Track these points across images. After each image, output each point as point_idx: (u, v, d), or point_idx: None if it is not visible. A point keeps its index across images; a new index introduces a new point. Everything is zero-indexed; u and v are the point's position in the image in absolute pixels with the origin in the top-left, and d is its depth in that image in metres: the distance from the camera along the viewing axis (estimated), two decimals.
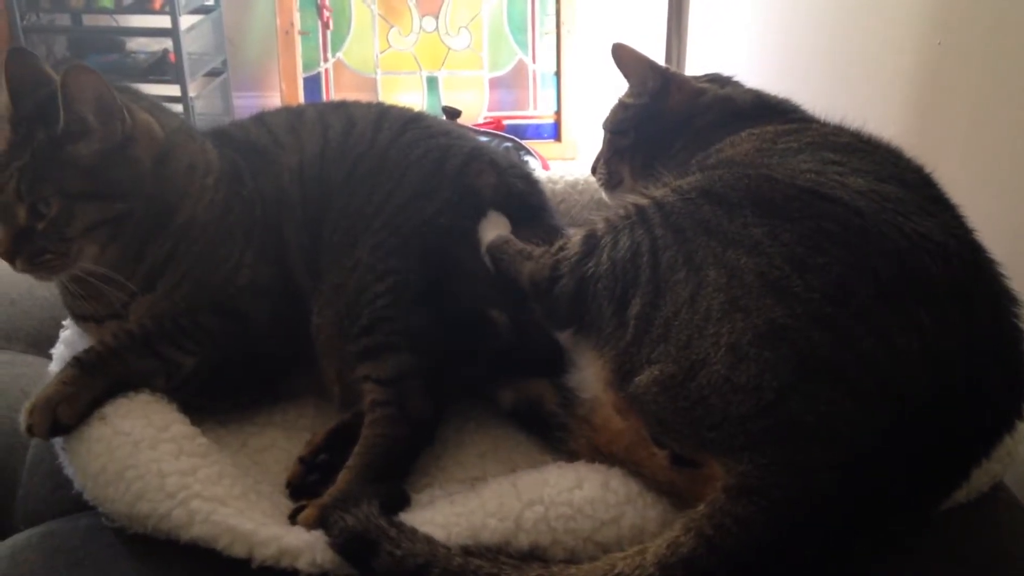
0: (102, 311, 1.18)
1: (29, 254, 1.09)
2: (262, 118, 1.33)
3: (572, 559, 0.93)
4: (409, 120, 1.31)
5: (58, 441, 1.06)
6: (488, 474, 1.09)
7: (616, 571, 0.86)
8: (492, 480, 1.04)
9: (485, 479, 1.06)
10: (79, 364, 1.09)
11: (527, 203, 1.30)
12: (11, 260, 1.09)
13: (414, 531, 0.91)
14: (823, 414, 0.85)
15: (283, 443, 1.15)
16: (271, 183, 1.24)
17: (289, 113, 1.34)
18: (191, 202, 1.18)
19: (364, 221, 1.21)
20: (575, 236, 1.10)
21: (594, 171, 1.52)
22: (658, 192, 1.05)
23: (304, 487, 1.09)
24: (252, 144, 1.28)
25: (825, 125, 1.27)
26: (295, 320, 1.21)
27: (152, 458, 0.99)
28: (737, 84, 1.42)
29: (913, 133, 1.76)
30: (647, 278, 0.98)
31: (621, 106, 1.45)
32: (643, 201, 1.05)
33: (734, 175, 1.03)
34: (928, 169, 1.13)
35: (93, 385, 1.08)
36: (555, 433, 1.09)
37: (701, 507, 0.87)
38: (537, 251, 1.14)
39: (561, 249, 1.11)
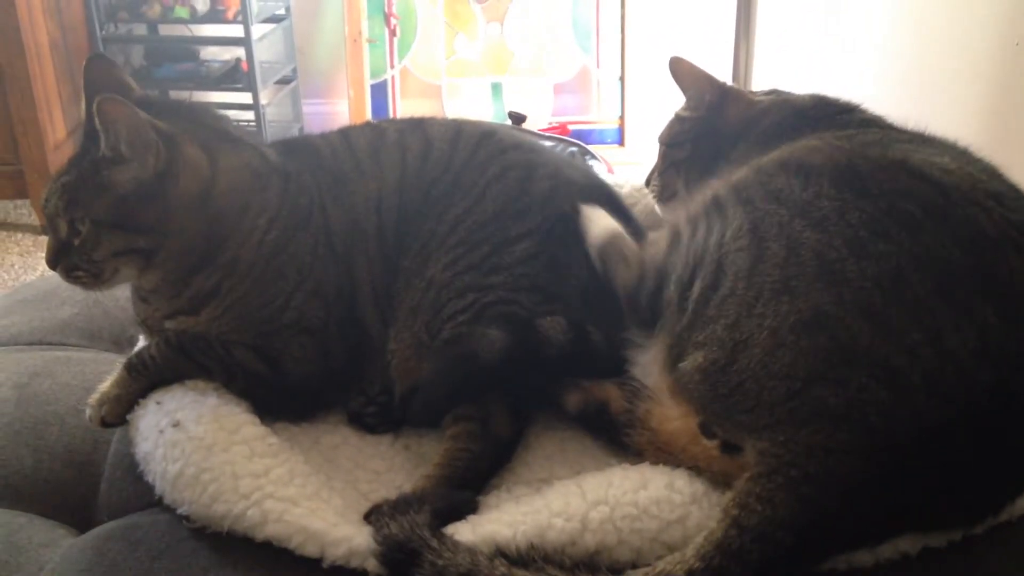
0: (151, 319, 1.22)
1: (65, 267, 1.13)
2: (348, 137, 1.30)
3: (639, 559, 0.93)
4: (482, 137, 1.29)
5: (137, 451, 1.10)
6: (554, 476, 1.09)
7: (657, 571, 0.87)
8: (557, 482, 1.05)
9: (551, 481, 1.07)
10: (126, 367, 1.17)
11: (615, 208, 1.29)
12: (53, 269, 1.14)
13: (456, 542, 0.92)
14: (852, 400, 0.85)
15: (355, 440, 1.17)
16: (346, 215, 1.22)
17: (373, 133, 1.31)
18: (238, 241, 1.17)
19: (436, 240, 1.20)
20: (661, 237, 1.11)
21: (648, 183, 1.52)
22: (735, 176, 1.05)
23: (361, 416, 1.19)
24: (336, 169, 1.25)
25: (884, 124, 1.26)
26: (350, 357, 1.21)
27: (225, 460, 1.02)
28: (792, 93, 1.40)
29: (989, 137, 1.73)
30: (712, 257, 0.98)
31: (677, 120, 1.45)
32: (720, 188, 1.05)
33: (822, 143, 1.02)
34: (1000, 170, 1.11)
35: (135, 387, 1.15)
36: (621, 436, 1.10)
37: (729, 492, 0.89)
38: (632, 255, 1.14)
39: (649, 250, 1.11)
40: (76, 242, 1.11)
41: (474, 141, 1.28)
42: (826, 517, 0.86)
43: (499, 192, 1.22)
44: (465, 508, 1.02)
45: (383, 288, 1.21)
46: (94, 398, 1.16)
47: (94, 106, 1.07)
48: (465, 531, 0.95)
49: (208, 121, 1.24)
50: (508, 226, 1.19)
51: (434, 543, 0.91)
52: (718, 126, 1.38)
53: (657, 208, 1.49)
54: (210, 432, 1.05)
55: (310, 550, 0.95)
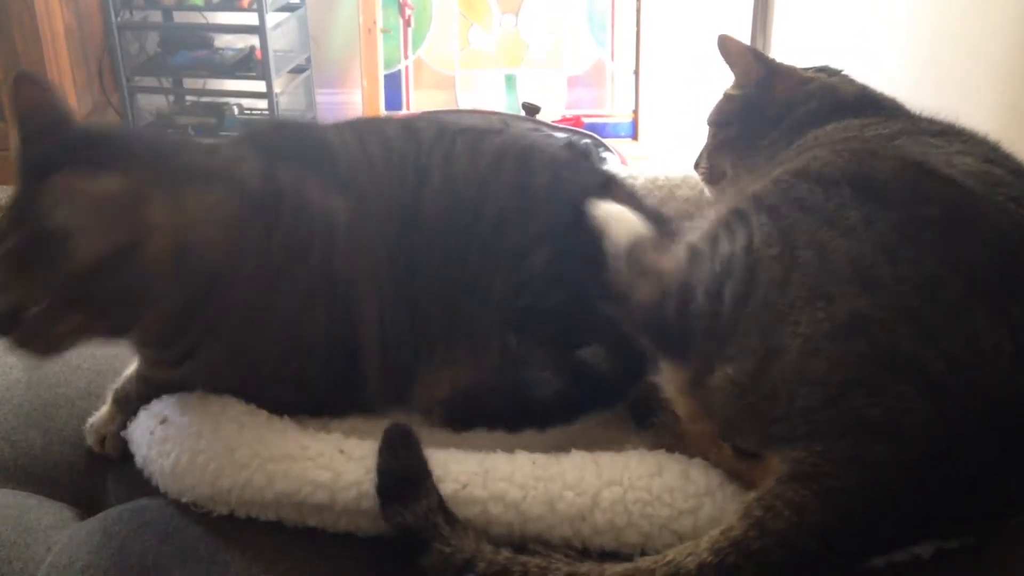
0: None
1: (18, 338, 0.92)
2: (363, 143, 1.19)
3: (647, 544, 0.93)
4: (465, 130, 1.23)
5: (137, 460, 1.09)
6: (572, 444, 1.07)
7: (667, 560, 0.86)
8: (575, 452, 1.03)
9: (567, 449, 1.04)
10: (115, 400, 1.16)
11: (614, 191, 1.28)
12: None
13: (464, 528, 0.92)
14: (889, 410, 0.83)
15: (363, 426, 1.16)
16: (353, 234, 1.13)
17: (381, 139, 1.20)
18: (221, 293, 1.04)
19: (457, 263, 1.14)
20: (679, 252, 1.06)
21: (697, 166, 1.50)
22: (752, 187, 1.03)
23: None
24: (351, 180, 1.15)
25: (916, 116, 1.24)
26: (336, 397, 1.16)
27: (217, 439, 1.03)
28: (845, 77, 1.38)
29: (1006, 136, 1.71)
30: (741, 263, 0.95)
31: (726, 99, 1.43)
32: (739, 200, 1.03)
33: (832, 151, 1.01)
34: None
35: (126, 418, 1.14)
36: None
37: (753, 493, 0.87)
38: (649, 265, 1.09)
39: (668, 269, 1.06)
40: (31, 311, 0.91)
41: (458, 135, 1.22)
42: (855, 527, 0.84)
43: (497, 188, 1.16)
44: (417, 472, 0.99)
45: (393, 309, 1.14)
46: (93, 430, 1.16)
47: (47, 183, 0.91)
48: (476, 486, 0.96)
49: (170, 156, 1.05)
50: (519, 231, 1.15)
51: (446, 530, 0.91)
52: (765, 103, 1.36)
53: (707, 190, 1.48)
54: (196, 419, 1.06)
55: (320, 498, 0.96)
